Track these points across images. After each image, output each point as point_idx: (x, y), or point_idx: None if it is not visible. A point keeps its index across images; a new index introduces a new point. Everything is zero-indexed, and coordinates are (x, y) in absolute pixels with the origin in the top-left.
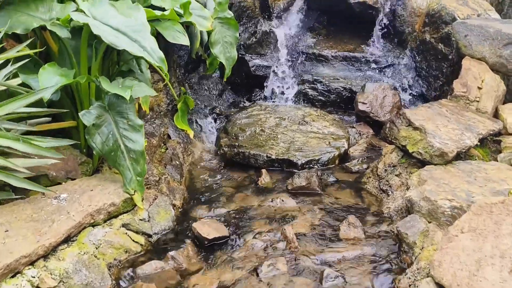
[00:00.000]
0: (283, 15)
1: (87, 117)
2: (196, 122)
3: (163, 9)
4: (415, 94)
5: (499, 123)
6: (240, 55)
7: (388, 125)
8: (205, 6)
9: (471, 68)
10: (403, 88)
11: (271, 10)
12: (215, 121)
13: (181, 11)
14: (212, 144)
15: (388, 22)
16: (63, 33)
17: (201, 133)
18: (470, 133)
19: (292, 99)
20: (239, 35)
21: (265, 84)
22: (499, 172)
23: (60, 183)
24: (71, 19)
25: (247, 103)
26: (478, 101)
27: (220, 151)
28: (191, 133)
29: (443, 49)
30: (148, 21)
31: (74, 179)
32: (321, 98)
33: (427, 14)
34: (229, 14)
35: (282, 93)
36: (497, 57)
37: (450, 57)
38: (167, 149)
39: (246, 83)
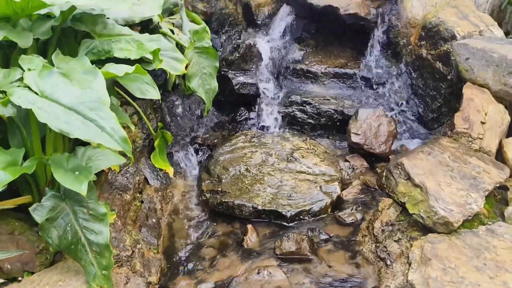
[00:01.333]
0: (268, 22)
1: (39, 212)
2: (177, 154)
3: (129, 60)
4: (411, 114)
5: (506, 170)
6: (222, 72)
7: (384, 174)
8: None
9: (474, 99)
10: (398, 106)
11: (255, 17)
12: (197, 153)
13: (151, 57)
14: (195, 182)
15: (382, 33)
16: (8, 112)
17: (181, 167)
18: (476, 193)
19: (280, 123)
20: (221, 45)
21: (253, 106)
22: (511, 254)
23: (16, 277)
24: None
25: (232, 126)
26: (481, 139)
27: (202, 197)
28: (170, 172)
29: (441, 68)
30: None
31: (33, 272)
32: (310, 121)
33: (423, 27)
34: (207, 43)
35: (269, 115)
36: (501, 84)
37: (449, 77)
38: (142, 202)
39: (231, 101)
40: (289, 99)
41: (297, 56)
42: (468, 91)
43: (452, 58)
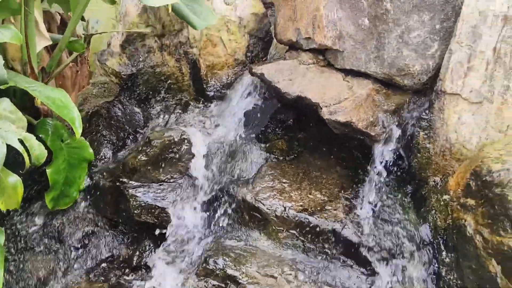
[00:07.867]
0: (224, 95)
1: None
2: None
3: None
4: None
5: None
6: (117, 184)
7: None
8: None
9: None
10: None
11: (204, 85)
12: None
13: None
14: None
15: (396, 158)
16: None
17: None
18: None
19: None
20: (143, 125)
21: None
22: None
23: None
24: None
25: (120, 277)
26: None
27: None
28: None
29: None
30: None
31: None
32: None
33: (475, 171)
34: None
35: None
36: None
37: None
38: None
39: (130, 228)
40: (206, 264)
41: (248, 170)
42: None
43: None
